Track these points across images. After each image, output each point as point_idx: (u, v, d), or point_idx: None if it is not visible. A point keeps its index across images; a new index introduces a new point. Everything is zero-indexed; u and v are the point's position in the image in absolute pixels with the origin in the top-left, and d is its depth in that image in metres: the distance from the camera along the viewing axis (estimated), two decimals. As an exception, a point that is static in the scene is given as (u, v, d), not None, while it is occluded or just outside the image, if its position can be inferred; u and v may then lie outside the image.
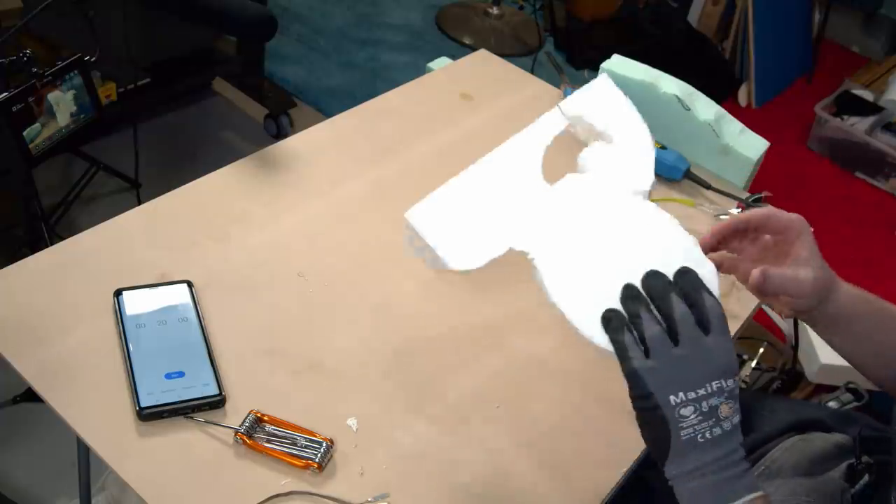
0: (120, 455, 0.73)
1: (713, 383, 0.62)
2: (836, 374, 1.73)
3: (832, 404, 1.48)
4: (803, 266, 0.73)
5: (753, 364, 1.69)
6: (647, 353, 0.63)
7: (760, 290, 0.72)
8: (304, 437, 0.76)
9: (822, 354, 1.75)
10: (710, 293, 0.64)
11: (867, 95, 2.98)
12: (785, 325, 1.72)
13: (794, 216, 0.74)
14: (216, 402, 0.77)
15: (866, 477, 0.79)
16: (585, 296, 0.69)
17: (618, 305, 0.66)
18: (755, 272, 0.72)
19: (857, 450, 0.83)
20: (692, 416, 0.62)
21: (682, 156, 1.17)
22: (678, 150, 1.18)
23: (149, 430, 0.75)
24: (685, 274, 0.65)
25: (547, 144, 0.81)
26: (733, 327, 0.99)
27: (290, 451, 0.75)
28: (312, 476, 0.74)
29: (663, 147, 1.18)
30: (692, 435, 0.62)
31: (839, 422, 0.89)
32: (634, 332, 0.64)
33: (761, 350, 1.74)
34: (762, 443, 0.88)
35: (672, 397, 0.62)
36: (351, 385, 0.83)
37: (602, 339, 0.66)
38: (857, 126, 2.86)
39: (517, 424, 0.83)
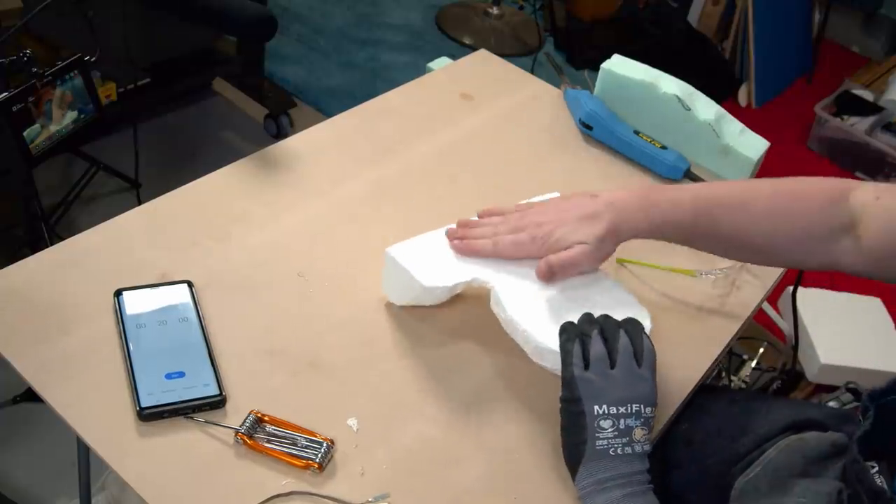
0: (120, 455, 0.73)
1: (633, 405, 0.73)
2: (836, 374, 1.73)
3: (832, 404, 1.48)
4: (570, 250, 0.85)
5: (753, 364, 1.69)
6: (586, 367, 0.74)
7: (550, 277, 0.85)
8: (305, 438, 0.76)
9: (822, 354, 1.75)
10: (649, 339, 0.78)
11: (867, 95, 2.98)
12: (785, 325, 1.72)
13: (535, 238, 0.86)
14: (216, 403, 0.77)
15: None
16: (536, 318, 0.84)
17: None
18: (541, 263, 0.85)
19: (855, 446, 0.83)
20: (609, 430, 0.72)
21: (682, 156, 1.18)
22: (678, 150, 1.18)
23: (149, 430, 0.75)
24: (631, 322, 0.79)
25: None
26: (733, 327, 0.99)
27: (290, 451, 0.75)
28: (313, 476, 0.74)
29: (663, 147, 1.18)
30: (605, 446, 0.72)
31: (838, 421, 0.89)
32: (581, 347, 0.76)
33: (761, 350, 1.74)
34: (759, 443, 0.89)
35: (596, 407, 0.72)
36: (351, 385, 0.83)
37: (549, 357, 0.82)
38: (857, 126, 2.86)
39: (519, 424, 0.83)
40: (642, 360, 0.75)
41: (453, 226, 0.93)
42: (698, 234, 0.86)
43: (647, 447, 0.73)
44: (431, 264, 0.87)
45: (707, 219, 0.84)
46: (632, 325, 0.78)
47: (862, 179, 2.72)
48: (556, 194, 1.01)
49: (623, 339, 0.76)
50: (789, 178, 0.85)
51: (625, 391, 0.73)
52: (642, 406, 0.73)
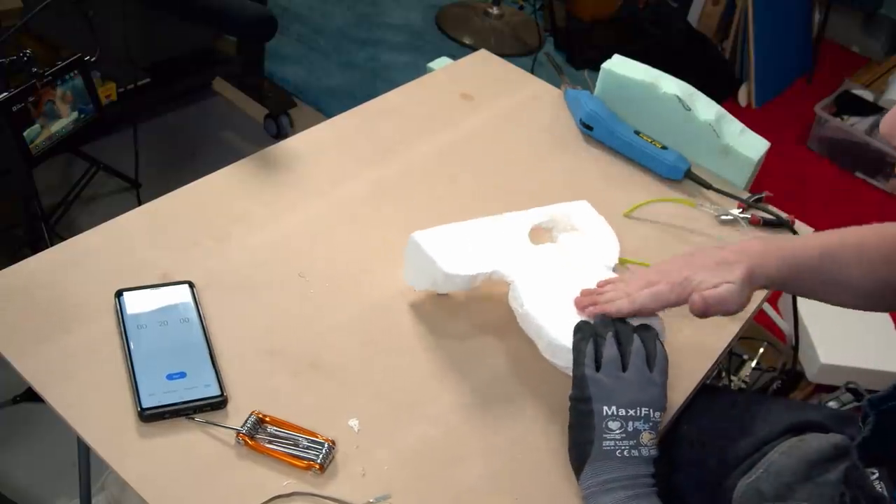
0: (120, 455, 0.73)
1: (642, 409, 0.73)
2: (836, 374, 1.73)
3: (832, 404, 1.48)
4: (719, 287, 0.81)
5: (753, 364, 1.69)
6: (597, 368, 0.75)
7: (704, 312, 0.81)
8: (306, 438, 0.76)
9: (822, 354, 1.75)
10: (662, 345, 0.78)
11: (867, 95, 2.98)
12: (785, 325, 1.72)
13: (674, 286, 0.82)
14: (218, 403, 0.77)
15: None
16: (553, 314, 0.84)
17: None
18: (695, 296, 0.81)
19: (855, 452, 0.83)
20: (617, 431, 0.72)
21: (683, 156, 1.17)
22: (678, 150, 1.18)
23: (150, 430, 0.75)
24: (646, 328, 0.80)
25: (534, 223, 0.96)
26: (734, 327, 0.99)
27: (291, 451, 0.75)
28: (314, 477, 0.74)
29: (663, 147, 1.18)
30: (612, 447, 0.72)
31: (837, 423, 0.89)
32: (594, 348, 0.76)
33: (761, 350, 1.74)
34: (759, 445, 0.89)
35: (605, 408, 0.73)
36: (352, 386, 0.83)
37: (561, 353, 0.82)
38: (857, 126, 2.86)
39: (520, 424, 0.83)
40: (654, 365, 0.76)
41: (481, 219, 0.93)
42: (827, 280, 0.85)
43: (653, 451, 0.73)
44: (455, 253, 0.88)
45: (831, 261, 0.84)
46: (646, 331, 0.79)
47: (862, 179, 2.70)
48: (584, 202, 1.01)
49: (636, 343, 0.76)
50: None
51: (635, 394, 0.73)
52: (651, 410, 0.73)
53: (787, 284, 0.85)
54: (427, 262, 0.87)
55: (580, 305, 0.85)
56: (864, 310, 0.90)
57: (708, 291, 0.81)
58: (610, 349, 0.76)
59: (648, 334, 0.78)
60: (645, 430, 0.73)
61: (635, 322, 0.81)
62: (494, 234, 0.93)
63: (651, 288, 0.83)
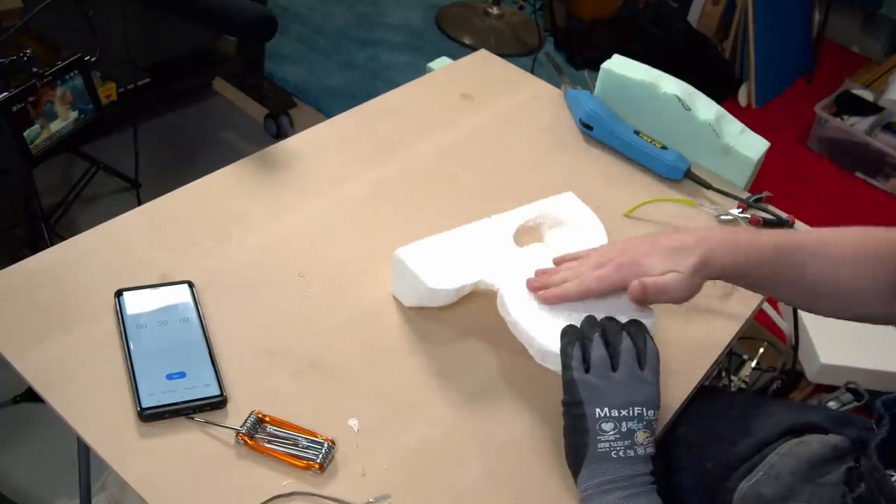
0: (120, 455, 0.73)
1: (635, 408, 0.72)
2: (836, 374, 1.73)
3: (832, 404, 1.48)
4: (664, 276, 0.80)
5: (753, 364, 1.69)
6: (587, 370, 0.74)
7: (642, 298, 0.80)
8: (306, 438, 0.76)
9: (822, 354, 1.75)
10: (652, 340, 0.76)
11: (867, 95, 2.98)
12: (785, 325, 1.72)
13: (620, 266, 0.81)
14: (217, 403, 0.77)
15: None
16: (540, 320, 0.83)
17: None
18: (634, 283, 0.80)
19: (856, 452, 0.83)
20: (611, 433, 0.71)
21: (682, 156, 1.17)
22: (678, 150, 1.18)
23: (149, 430, 0.75)
24: (635, 323, 0.78)
25: (519, 224, 0.96)
26: (733, 327, 0.99)
27: (291, 451, 0.75)
28: (314, 477, 0.74)
29: (663, 147, 1.18)
30: (607, 449, 0.71)
31: (836, 424, 0.89)
32: (582, 351, 0.75)
33: (761, 350, 1.74)
34: (759, 447, 0.89)
35: (597, 410, 0.72)
36: (352, 385, 0.83)
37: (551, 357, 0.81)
38: (857, 126, 2.86)
39: (520, 424, 0.83)
40: (645, 362, 0.74)
41: (464, 227, 0.92)
42: (782, 278, 0.82)
43: (650, 449, 0.73)
44: (438, 266, 0.87)
45: (788, 260, 0.81)
46: (635, 327, 0.77)
47: (862, 179, 2.70)
48: (569, 194, 1.00)
49: (626, 342, 0.75)
50: (874, 227, 0.83)
51: (627, 394, 0.72)
52: (644, 409, 0.72)
53: (739, 278, 0.83)
54: (411, 277, 0.87)
55: (531, 287, 0.84)
56: (815, 312, 0.87)
57: (650, 279, 0.79)
58: (597, 350, 0.74)
59: (638, 331, 0.76)
60: (639, 429, 0.72)
61: (624, 318, 0.79)
62: (480, 242, 0.92)
63: (600, 270, 0.81)
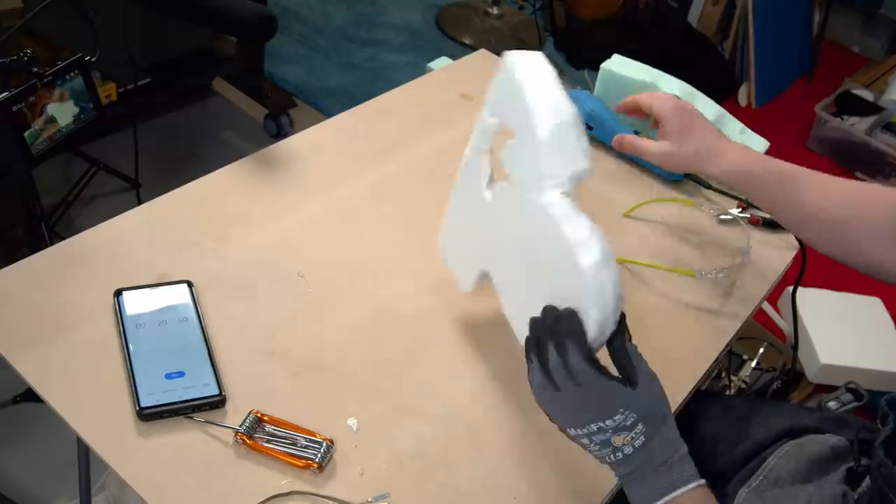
0: (120, 455, 0.73)
1: (592, 425, 0.66)
2: (836, 374, 1.73)
3: (832, 404, 1.48)
4: (658, 141, 0.93)
5: (753, 364, 1.69)
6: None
7: (618, 148, 0.97)
8: (305, 438, 0.76)
9: (822, 354, 1.75)
10: (579, 342, 0.66)
11: (867, 95, 2.98)
12: (785, 325, 1.72)
13: (664, 106, 0.93)
14: (216, 403, 0.77)
15: (868, 480, 0.79)
16: (519, 314, 0.74)
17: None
18: (618, 137, 0.96)
19: (855, 452, 0.83)
20: (592, 446, 0.68)
21: (682, 156, 1.17)
22: (678, 150, 1.18)
23: (149, 430, 0.75)
24: (560, 321, 0.67)
25: (488, 150, 0.80)
26: (733, 327, 0.99)
27: (290, 451, 0.75)
28: (312, 476, 0.74)
29: (663, 147, 1.18)
30: (600, 456, 0.69)
31: (833, 426, 0.89)
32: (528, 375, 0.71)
33: (761, 350, 1.74)
34: (757, 450, 0.89)
35: (569, 430, 0.69)
36: (351, 385, 0.83)
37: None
38: (857, 126, 2.86)
39: (518, 424, 0.83)
40: (575, 377, 0.66)
41: (453, 197, 0.88)
42: (781, 195, 0.89)
43: (637, 442, 0.67)
44: (459, 260, 0.88)
45: (791, 184, 0.88)
46: (561, 328, 0.67)
47: (863, 180, 2.72)
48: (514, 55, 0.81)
49: (553, 359, 0.67)
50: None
51: (576, 413, 0.67)
52: (601, 421, 0.66)
53: (741, 180, 0.90)
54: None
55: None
56: (812, 244, 0.91)
57: (640, 141, 0.94)
58: (535, 377, 0.69)
59: (563, 333, 0.67)
60: (609, 437, 0.67)
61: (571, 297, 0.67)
62: (470, 209, 0.83)
63: (650, 94, 0.95)
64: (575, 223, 0.68)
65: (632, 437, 0.67)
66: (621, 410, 0.66)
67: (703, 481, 0.67)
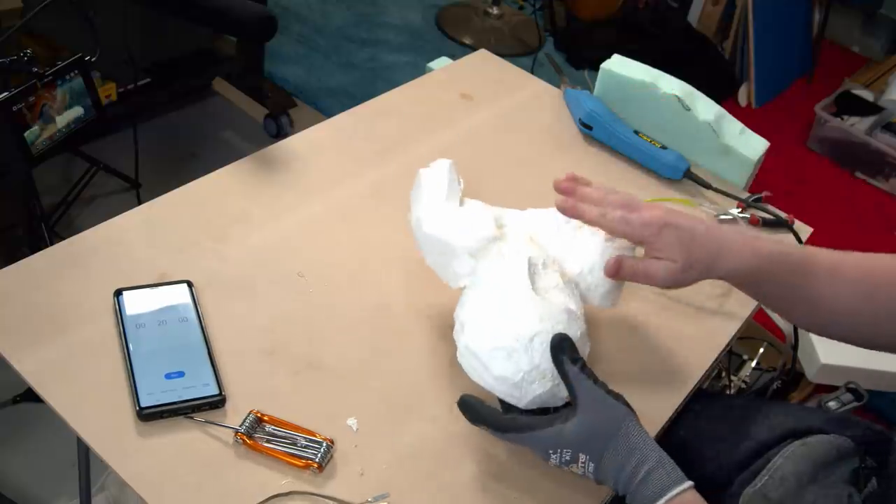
0: (120, 455, 0.73)
1: (549, 461, 0.72)
2: (836, 374, 1.73)
3: (832, 404, 1.48)
4: (660, 262, 0.78)
5: (753, 364, 1.69)
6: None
7: (615, 277, 0.80)
8: (304, 437, 0.76)
9: (822, 354, 1.75)
10: (497, 414, 0.75)
11: (867, 95, 2.98)
12: (785, 325, 1.72)
13: (647, 224, 0.77)
14: (216, 402, 0.77)
15: (874, 480, 0.79)
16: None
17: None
18: (611, 259, 0.80)
19: (861, 453, 0.83)
20: (565, 467, 0.72)
21: (682, 156, 1.17)
22: (678, 150, 1.18)
23: (149, 430, 0.75)
24: (478, 407, 0.75)
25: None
26: (733, 327, 0.99)
27: (290, 451, 0.75)
28: (312, 476, 0.74)
29: (663, 147, 1.18)
30: (581, 475, 0.72)
31: (836, 426, 0.89)
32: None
33: (761, 350, 1.74)
34: (759, 450, 0.88)
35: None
36: (351, 385, 0.83)
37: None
38: (857, 126, 2.86)
39: (517, 424, 0.83)
40: (504, 433, 0.73)
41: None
42: (796, 288, 0.80)
43: (590, 468, 0.71)
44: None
45: (802, 272, 0.80)
46: (483, 412, 0.75)
47: (862, 180, 2.69)
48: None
49: (489, 429, 0.75)
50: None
51: (528, 447, 0.73)
52: (547, 459, 0.71)
53: (748, 284, 0.81)
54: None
55: (558, 187, 0.81)
56: (828, 336, 0.85)
57: (640, 263, 0.78)
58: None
59: (485, 420, 0.74)
60: (570, 468, 0.71)
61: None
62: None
63: (626, 214, 0.78)
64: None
65: (582, 465, 0.71)
66: (551, 452, 0.71)
67: (687, 485, 0.69)
